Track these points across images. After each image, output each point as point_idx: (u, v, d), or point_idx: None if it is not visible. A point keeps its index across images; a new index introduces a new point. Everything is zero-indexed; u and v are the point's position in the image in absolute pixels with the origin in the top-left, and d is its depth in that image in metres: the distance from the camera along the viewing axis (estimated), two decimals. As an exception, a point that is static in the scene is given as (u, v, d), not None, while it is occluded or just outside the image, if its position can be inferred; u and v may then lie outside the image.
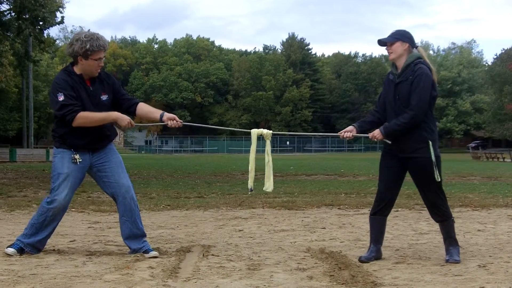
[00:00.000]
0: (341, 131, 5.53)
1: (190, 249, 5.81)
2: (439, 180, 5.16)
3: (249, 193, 6.02)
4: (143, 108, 5.60)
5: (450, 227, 5.31)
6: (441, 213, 5.27)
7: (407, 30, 5.36)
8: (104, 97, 5.48)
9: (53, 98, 5.31)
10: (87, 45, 5.25)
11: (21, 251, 5.38)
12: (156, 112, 5.58)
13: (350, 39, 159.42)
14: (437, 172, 5.14)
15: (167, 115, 5.51)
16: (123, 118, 5.36)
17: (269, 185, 5.73)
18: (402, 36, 5.25)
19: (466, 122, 77.22)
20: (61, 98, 5.24)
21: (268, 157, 5.72)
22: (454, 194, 11.60)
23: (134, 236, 5.51)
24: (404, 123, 5.11)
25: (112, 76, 5.66)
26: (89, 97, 5.37)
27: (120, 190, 5.47)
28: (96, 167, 5.50)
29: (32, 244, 5.41)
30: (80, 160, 5.40)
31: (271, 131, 5.71)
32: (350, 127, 5.47)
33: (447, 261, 5.18)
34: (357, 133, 5.46)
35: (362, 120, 5.57)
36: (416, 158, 5.18)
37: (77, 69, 5.38)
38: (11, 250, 5.37)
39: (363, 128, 5.47)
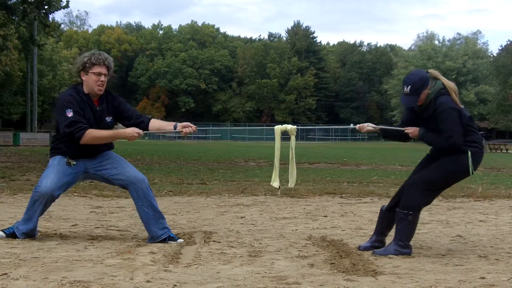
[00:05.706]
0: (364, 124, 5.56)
1: (191, 235, 5.83)
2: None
3: (278, 192, 6.07)
4: (155, 125, 5.66)
5: None
6: None
7: (420, 73, 5.21)
8: (108, 119, 5.52)
9: (61, 114, 5.28)
10: (86, 58, 5.36)
11: (12, 236, 5.41)
12: (169, 125, 5.71)
13: (360, 28, 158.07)
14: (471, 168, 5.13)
15: (180, 124, 5.64)
16: (131, 136, 5.41)
17: (292, 181, 5.81)
18: (422, 87, 5.10)
19: (470, 113, 76.70)
20: (70, 114, 5.25)
21: (292, 153, 5.71)
22: (456, 185, 11.57)
23: (153, 219, 5.49)
24: (442, 145, 5.12)
25: (119, 97, 5.66)
26: (94, 117, 5.40)
27: (128, 177, 5.48)
28: (94, 168, 5.52)
29: (26, 232, 5.41)
30: (74, 163, 5.42)
31: (295, 126, 5.68)
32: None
33: None
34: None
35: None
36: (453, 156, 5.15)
37: (84, 88, 5.41)
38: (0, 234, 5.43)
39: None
